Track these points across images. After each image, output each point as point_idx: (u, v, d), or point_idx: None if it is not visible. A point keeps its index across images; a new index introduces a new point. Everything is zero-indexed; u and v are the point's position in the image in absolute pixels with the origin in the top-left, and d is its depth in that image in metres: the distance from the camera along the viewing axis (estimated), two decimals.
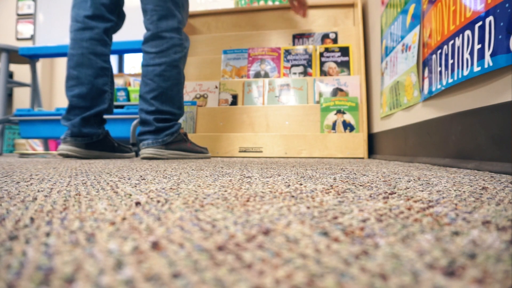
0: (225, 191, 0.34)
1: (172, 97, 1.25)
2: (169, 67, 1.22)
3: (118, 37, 2.00)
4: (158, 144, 1.22)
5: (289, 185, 0.38)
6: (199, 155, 1.33)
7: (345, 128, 1.55)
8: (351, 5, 1.79)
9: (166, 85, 1.22)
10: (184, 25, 1.30)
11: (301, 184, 0.39)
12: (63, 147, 1.22)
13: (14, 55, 2.24)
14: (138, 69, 4.37)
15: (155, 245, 0.16)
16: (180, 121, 1.69)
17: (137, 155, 1.66)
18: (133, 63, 4.41)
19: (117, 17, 1.31)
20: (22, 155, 1.64)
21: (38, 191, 0.34)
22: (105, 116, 1.82)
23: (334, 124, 1.56)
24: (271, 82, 1.70)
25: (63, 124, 1.26)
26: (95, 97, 1.25)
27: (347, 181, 0.42)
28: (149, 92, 1.23)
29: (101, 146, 1.29)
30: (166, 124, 1.24)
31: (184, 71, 1.31)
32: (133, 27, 1.95)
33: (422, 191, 0.34)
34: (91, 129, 1.26)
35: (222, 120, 1.66)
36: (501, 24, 0.56)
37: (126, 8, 1.38)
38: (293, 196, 0.30)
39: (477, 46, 0.63)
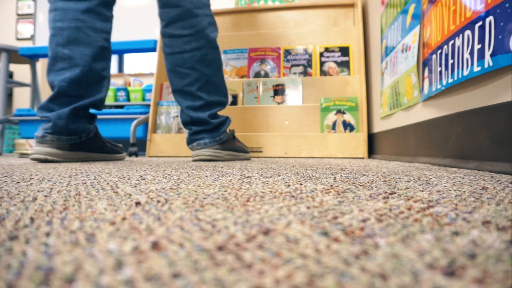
0: (225, 191, 0.34)
1: (218, 84, 1.07)
2: (210, 50, 1.04)
3: (118, 37, 2.00)
4: (216, 143, 1.05)
5: (289, 185, 0.38)
6: (246, 155, 1.18)
7: (345, 128, 1.55)
8: (351, 5, 1.79)
9: (210, 71, 1.04)
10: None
11: (301, 184, 0.39)
12: (40, 150, 0.91)
13: (14, 55, 2.25)
14: (138, 69, 4.36)
15: (155, 245, 0.16)
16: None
17: (136, 155, 1.66)
18: (133, 63, 4.41)
19: None
20: (22, 155, 1.64)
21: (38, 191, 0.34)
22: (108, 116, 1.82)
23: (334, 124, 1.56)
24: (265, 82, 1.70)
25: (40, 117, 0.96)
26: (91, 83, 0.99)
27: (347, 181, 0.42)
28: (192, 84, 1.03)
29: (89, 146, 1.04)
30: (220, 120, 1.07)
31: None
32: (133, 27, 1.95)
33: (422, 191, 0.34)
34: (80, 124, 0.98)
35: None
36: (501, 24, 0.56)
37: (126, 8, 1.36)
38: (293, 196, 0.30)
39: (477, 46, 0.63)
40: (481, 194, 0.31)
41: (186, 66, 1.02)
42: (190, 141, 1.10)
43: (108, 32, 1.03)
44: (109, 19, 1.03)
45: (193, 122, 1.07)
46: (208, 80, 1.04)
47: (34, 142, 3.22)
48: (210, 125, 1.05)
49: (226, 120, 1.10)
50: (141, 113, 1.80)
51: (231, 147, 1.11)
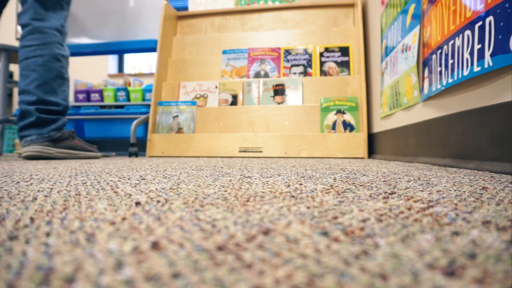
0: (225, 191, 0.34)
1: (56, 89, 1.16)
2: (52, 59, 1.15)
3: (118, 37, 2.00)
4: (44, 139, 1.11)
5: (289, 185, 0.38)
6: (89, 153, 1.26)
7: (345, 128, 1.55)
8: (351, 5, 1.79)
9: (50, 75, 1.14)
10: (66, 34, 1.25)
11: (301, 184, 0.39)
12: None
13: (14, 55, 2.24)
14: (138, 69, 4.36)
15: (155, 245, 0.16)
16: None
17: (136, 155, 1.66)
18: (133, 63, 4.41)
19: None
20: None
21: (38, 191, 0.34)
22: (108, 116, 1.83)
23: (334, 124, 1.56)
24: (265, 82, 1.70)
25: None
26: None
27: (347, 181, 0.42)
28: (31, 83, 1.13)
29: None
30: (50, 117, 1.14)
31: (68, 73, 1.24)
32: (133, 27, 1.95)
33: (422, 191, 0.34)
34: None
35: (222, 120, 1.66)
36: (501, 24, 0.56)
37: (126, 8, 1.37)
38: (293, 196, 0.30)
39: (477, 46, 0.63)
40: (481, 194, 0.31)
41: (29, 69, 1.13)
42: (20, 138, 1.15)
43: None
44: None
45: (22, 115, 1.13)
46: (46, 82, 1.13)
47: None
48: (35, 117, 1.10)
49: (59, 120, 1.16)
50: (141, 113, 1.80)
51: (67, 145, 1.17)
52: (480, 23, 0.62)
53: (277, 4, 1.88)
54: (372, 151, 1.51)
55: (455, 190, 0.34)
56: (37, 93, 1.12)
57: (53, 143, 1.13)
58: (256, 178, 0.46)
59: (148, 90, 2.23)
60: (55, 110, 1.15)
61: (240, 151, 1.58)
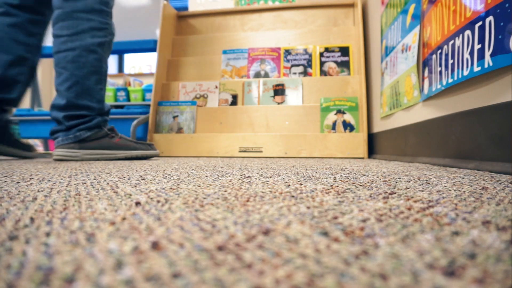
0: (225, 191, 0.34)
1: (90, 89, 1.06)
2: (84, 52, 1.05)
3: (118, 37, 2.00)
4: (69, 141, 1.04)
5: (289, 185, 0.38)
6: (133, 152, 1.10)
7: (345, 128, 1.55)
8: (351, 5, 1.79)
9: (81, 73, 1.04)
10: (110, 7, 1.12)
11: (301, 184, 0.39)
12: None
13: None
14: (138, 69, 4.37)
15: (155, 245, 0.16)
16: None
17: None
18: (133, 63, 4.42)
19: (48, 12, 1.17)
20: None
21: (38, 191, 0.34)
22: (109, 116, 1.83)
23: (334, 124, 1.56)
24: (265, 82, 1.70)
25: None
26: (2, 83, 1.14)
27: (347, 181, 0.42)
28: (62, 83, 1.05)
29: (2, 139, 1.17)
30: (80, 120, 1.06)
31: (106, 63, 1.13)
32: (133, 27, 1.95)
33: (422, 191, 0.34)
34: None
35: (222, 120, 1.67)
36: (501, 24, 0.56)
37: (126, 8, 1.36)
38: (293, 196, 0.30)
39: (477, 46, 0.63)
40: (481, 194, 0.31)
41: (60, 65, 1.05)
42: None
43: (31, 45, 1.16)
44: (33, 34, 1.17)
45: (53, 119, 1.09)
46: (77, 82, 1.04)
47: (36, 143, 3.22)
48: (63, 126, 1.06)
49: (92, 120, 1.07)
50: (141, 113, 1.80)
51: (99, 145, 1.07)
52: (480, 23, 0.62)
53: (277, 4, 1.88)
54: (372, 151, 1.51)
55: (455, 190, 0.34)
56: (67, 96, 1.04)
57: (80, 144, 1.04)
58: (256, 178, 0.46)
59: (148, 90, 2.23)
60: (87, 115, 1.06)
61: (240, 151, 1.58)
